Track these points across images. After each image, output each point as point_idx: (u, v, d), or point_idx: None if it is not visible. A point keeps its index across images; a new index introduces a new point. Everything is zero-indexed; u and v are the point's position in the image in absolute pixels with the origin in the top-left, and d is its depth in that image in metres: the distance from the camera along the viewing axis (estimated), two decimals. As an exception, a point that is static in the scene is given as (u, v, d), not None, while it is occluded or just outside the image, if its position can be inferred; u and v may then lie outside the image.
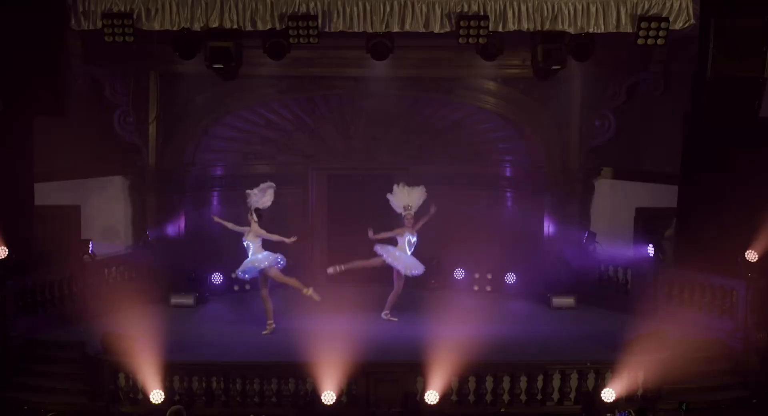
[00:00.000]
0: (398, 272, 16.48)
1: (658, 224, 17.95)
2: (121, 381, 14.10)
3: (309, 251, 19.26)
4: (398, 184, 16.59)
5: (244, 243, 15.89)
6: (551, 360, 14.41)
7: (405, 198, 16.46)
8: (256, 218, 15.81)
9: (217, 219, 16.17)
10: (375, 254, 16.53)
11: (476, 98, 18.21)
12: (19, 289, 15.23)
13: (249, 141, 19.11)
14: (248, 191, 15.94)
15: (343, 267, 16.63)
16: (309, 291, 16.01)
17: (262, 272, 15.90)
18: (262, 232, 15.79)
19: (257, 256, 15.85)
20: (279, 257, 15.98)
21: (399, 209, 16.49)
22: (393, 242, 16.58)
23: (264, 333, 15.81)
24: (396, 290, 16.61)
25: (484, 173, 19.23)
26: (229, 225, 15.97)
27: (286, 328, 15.86)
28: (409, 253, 16.50)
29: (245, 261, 15.93)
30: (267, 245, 15.96)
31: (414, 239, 16.48)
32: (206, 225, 18.76)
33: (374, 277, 18.72)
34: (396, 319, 16.59)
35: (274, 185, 16.06)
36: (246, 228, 15.87)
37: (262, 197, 15.89)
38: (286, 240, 15.82)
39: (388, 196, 16.56)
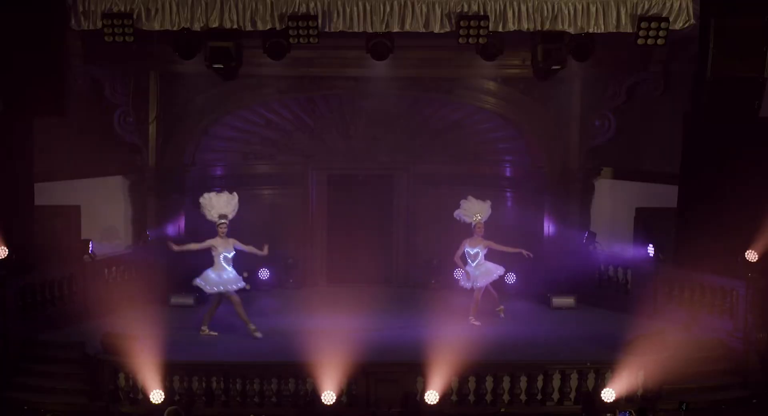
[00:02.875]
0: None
1: (657, 224, 17.96)
2: (121, 381, 14.10)
3: (309, 250, 19.26)
4: (465, 198, 16.52)
5: (224, 256, 15.53)
6: (551, 360, 14.40)
7: (477, 206, 16.41)
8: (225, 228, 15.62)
9: (177, 248, 15.78)
10: (469, 289, 16.53)
11: (476, 98, 18.21)
12: (19, 289, 15.21)
13: (249, 141, 19.11)
14: (209, 197, 15.76)
15: (474, 317, 16.46)
16: (253, 328, 15.68)
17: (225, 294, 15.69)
18: (235, 242, 15.63)
19: (227, 273, 15.62)
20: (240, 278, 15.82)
21: (469, 220, 16.43)
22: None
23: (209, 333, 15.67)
24: (494, 297, 16.70)
25: (484, 173, 19.22)
26: (193, 246, 15.73)
27: (286, 328, 15.85)
28: (473, 264, 16.44)
29: (223, 277, 15.58)
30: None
31: (474, 251, 16.41)
32: (206, 225, 18.77)
33: (374, 277, 18.78)
34: (479, 323, 16.41)
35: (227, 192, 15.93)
36: (218, 240, 15.61)
37: (227, 205, 15.69)
38: (259, 253, 15.66)
39: (457, 213, 16.50)
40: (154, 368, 13.74)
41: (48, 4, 14.56)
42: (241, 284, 15.76)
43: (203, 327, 15.75)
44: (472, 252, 16.45)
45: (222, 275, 15.60)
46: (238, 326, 16.26)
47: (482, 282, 16.45)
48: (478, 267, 16.46)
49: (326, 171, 19.40)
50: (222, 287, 15.59)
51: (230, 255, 15.64)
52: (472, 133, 19.12)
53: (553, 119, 18.31)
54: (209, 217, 15.77)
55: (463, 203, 16.56)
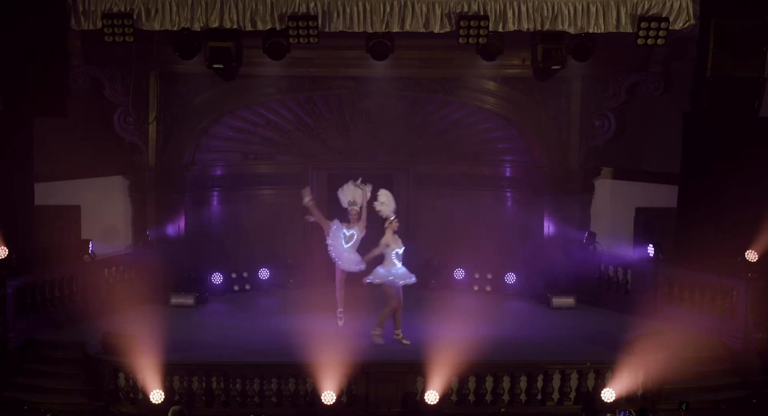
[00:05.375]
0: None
1: (657, 224, 17.97)
2: (121, 381, 14.10)
3: (309, 250, 19.24)
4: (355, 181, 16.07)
5: (396, 252, 15.30)
6: (551, 360, 14.40)
7: (351, 193, 15.97)
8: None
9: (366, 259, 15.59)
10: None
11: (476, 98, 18.19)
12: (19, 289, 15.21)
13: (249, 141, 19.10)
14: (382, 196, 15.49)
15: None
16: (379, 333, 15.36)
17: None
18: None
19: (396, 269, 15.34)
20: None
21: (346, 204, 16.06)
22: None
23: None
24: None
25: (484, 173, 19.22)
26: (376, 251, 15.44)
27: (286, 328, 15.84)
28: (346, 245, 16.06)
29: (392, 272, 15.33)
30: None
31: (348, 233, 16.02)
32: (206, 225, 18.80)
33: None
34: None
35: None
36: (389, 238, 15.34)
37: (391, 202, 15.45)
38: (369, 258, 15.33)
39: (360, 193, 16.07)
40: (154, 368, 13.74)
41: (48, 5, 14.58)
42: (411, 279, 15.39)
43: (397, 331, 15.33)
44: (347, 234, 15.96)
45: (390, 270, 15.31)
46: (239, 326, 16.29)
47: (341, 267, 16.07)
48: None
49: (326, 171, 19.38)
50: (390, 280, 15.27)
51: (401, 251, 15.34)
52: (472, 133, 19.11)
53: (553, 118, 18.30)
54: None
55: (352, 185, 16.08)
